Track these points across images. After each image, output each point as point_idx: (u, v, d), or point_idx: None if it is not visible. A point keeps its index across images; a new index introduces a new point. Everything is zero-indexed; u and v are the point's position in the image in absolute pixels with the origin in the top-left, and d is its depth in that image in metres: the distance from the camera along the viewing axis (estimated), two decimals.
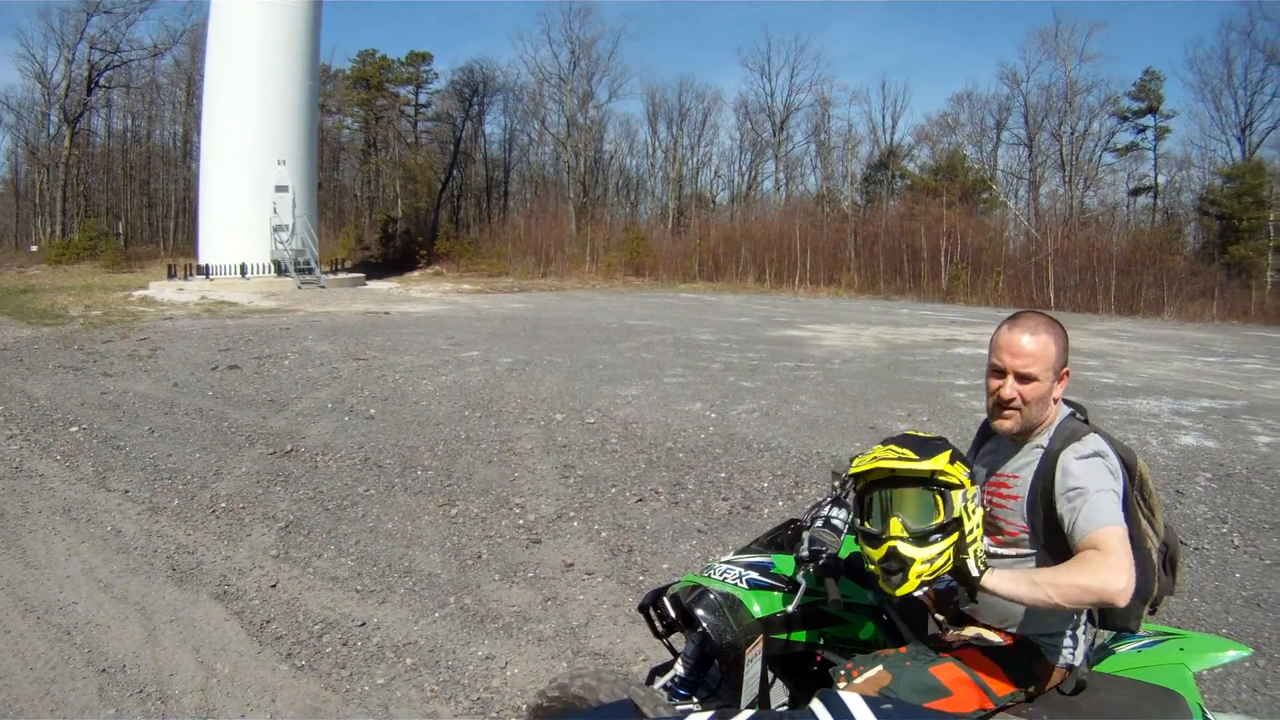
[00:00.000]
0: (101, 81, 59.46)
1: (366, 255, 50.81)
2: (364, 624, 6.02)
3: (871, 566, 2.84)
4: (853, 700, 1.50)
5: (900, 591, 2.75)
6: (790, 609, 3.31)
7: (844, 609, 3.31)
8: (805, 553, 3.25)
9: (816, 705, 1.53)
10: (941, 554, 2.73)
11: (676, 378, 12.49)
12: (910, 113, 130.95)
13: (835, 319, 19.51)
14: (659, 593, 3.70)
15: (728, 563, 3.59)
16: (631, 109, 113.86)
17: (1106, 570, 2.62)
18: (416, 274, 43.27)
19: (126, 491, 8.75)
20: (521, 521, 7.72)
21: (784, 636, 3.39)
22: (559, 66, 59.60)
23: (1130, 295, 33.18)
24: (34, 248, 56.54)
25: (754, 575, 3.47)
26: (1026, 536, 3.00)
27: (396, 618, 6.12)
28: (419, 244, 50.21)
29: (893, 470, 2.78)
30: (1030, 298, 34.20)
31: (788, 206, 54.26)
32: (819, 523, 3.37)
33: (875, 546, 2.79)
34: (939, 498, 2.75)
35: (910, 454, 2.76)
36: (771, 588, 3.42)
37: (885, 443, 2.88)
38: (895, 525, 2.75)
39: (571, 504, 8.03)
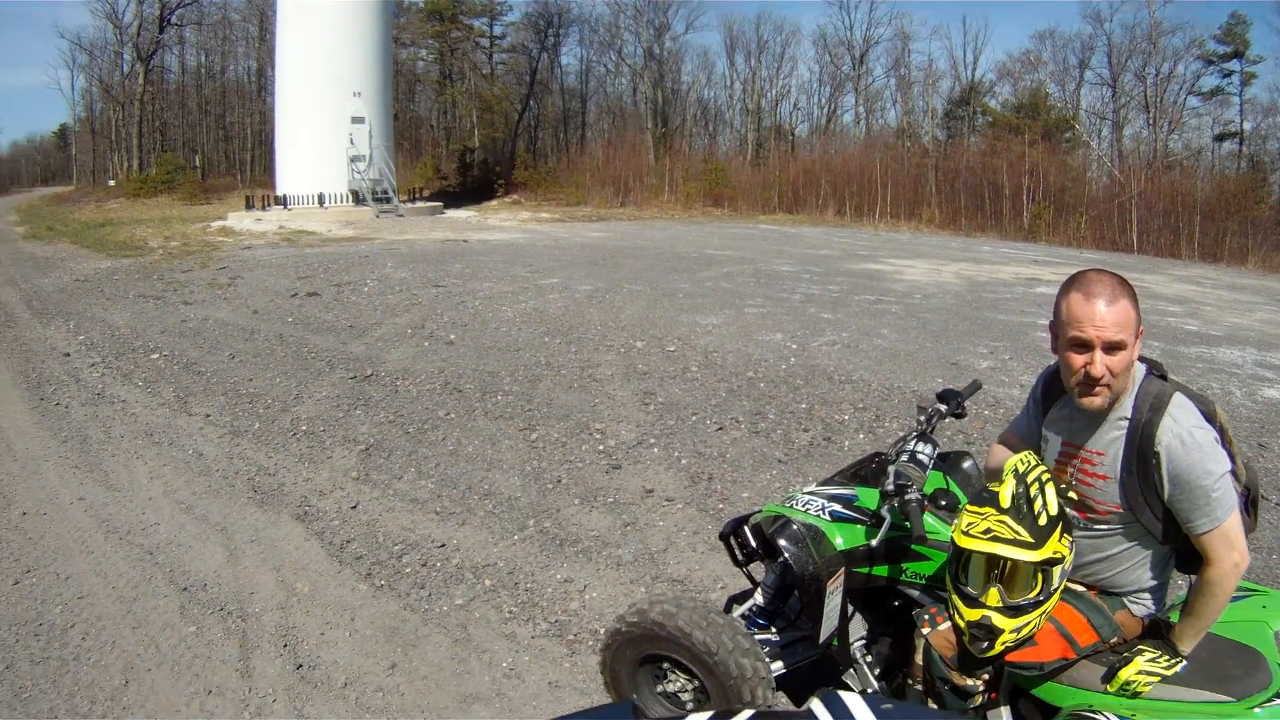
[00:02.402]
0: (173, 19, 60.51)
1: (444, 185, 50.95)
2: (443, 545, 6.16)
3: (960, 622, 2.84)
4: (853, 700, 1.49)
5: (983, 655, 2.80)
6: (874, 543, 3.32)
7: (927, 546, 3.29)
8: (890, 487, 3.24)
9: (816, 705, 1.52)
10: (1029, 624, 2.76)
11: (757, 308, 12.38)
12: (991, 49, 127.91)
13: (916, 254, 19.10)
14: (740, 521, 3.73)
15: (810, 494, 3.60)
16: (709, 41, 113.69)
17: (1234, 573, 2.76)
18: (494, 203, 43.38)
19: (208, 416, 9.02)
20: (601, 447, 7.76)
21: (865, 570, 3.42)
22: None
23: (1214, 242, 31.79)
24: (111, 182, 58.16)
25: (836, 508, 3.48)
26: (1118, 514, 2.94)
27: (476, 540, 6.23)
28: (496, 174, 50.24)
29: (1004, 558, 2.75)
30: (1113, 240, 33.03)
31: (868, 140, 53.09)
32: (904, 457, 3.35)
33: (970, 608, 2.80)
34: (1040, 575, 2.75)
35: (1025, 535, 2.69)
36: (854, 521, 3.43)
37: (998, 506, 2.77)
38: (993, 595, 2.75)
39: (652, 431, 8.04)
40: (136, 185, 50.80)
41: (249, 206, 34.13)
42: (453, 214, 36.32)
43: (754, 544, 3.67)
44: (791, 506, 3.54)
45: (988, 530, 2.72)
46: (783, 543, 3.37)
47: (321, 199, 33.48)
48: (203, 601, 5.58)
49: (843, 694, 1.48)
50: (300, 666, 4.88)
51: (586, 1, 67.22)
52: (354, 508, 6.80)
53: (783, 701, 3.90)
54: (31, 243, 26.86)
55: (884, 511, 3.32)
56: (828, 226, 30.74)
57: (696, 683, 3.56)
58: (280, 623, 5.31)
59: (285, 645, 5.09)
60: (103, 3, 59.98)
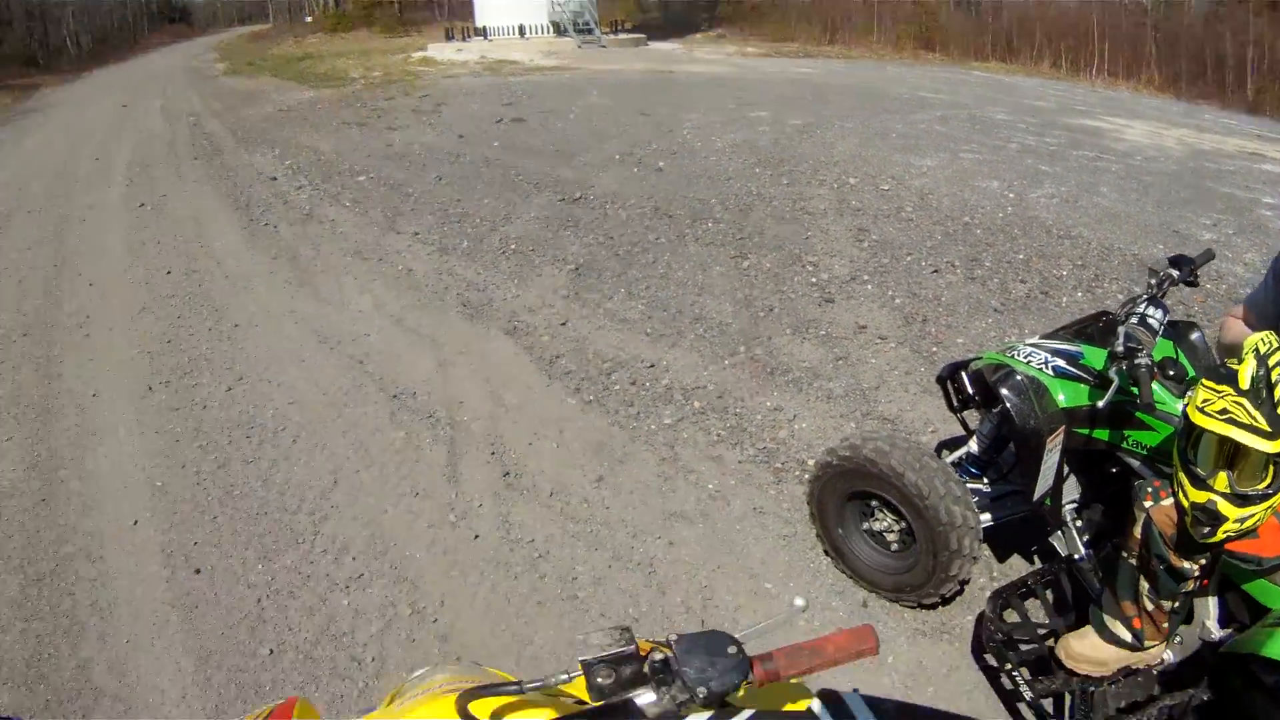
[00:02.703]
0: None
1: (647, 17, 50.15)
2: (653, 366, 6.05)
3: (1184, 502, 2.59)
4: (853, 700, 1.21)
5: (1203, 541, 2.58)
6: (1099, 405, 3.10)
7: (1153, 415, 3.05)
8: (1120, 349, 3.00)
9: (816, 705, 1.24)
10: (1254, 517, 2.50)
11: (972, 154, 11.63)
12: None
13: (1135, 114, 17.55)
14: (958, 366, 3.61)
15: (1033, 346, 3.43)
16: None
17: None
18: (698, 36, 42.35)
19: (416, 234, 9.10)
20: (814, 279, 7.44)
21: (1086, 432, 3.25)
22: None
23: None
24: (308, 19, 59.41)
25: (1060, 363, 3.30)
26: None
27: (686, 362, 6.10)
28: (702, 6, 49.18)
29: (1237, 441, 2.43)
30: None
31: None
32: (1134, 320, 3.10)
33: (1196, 489, 2.54)
34: (1273, 467, 2.45)
35: (1262, 422, 2.40)
36: (1079, 379, 3.25)
37: (1236, 386, 2.49)
38: (1221, 480, 2.50)
39: (865, 267, 7.67)
40: (334, 20, 51.79)
41: (449, 38, 34.33)
42: (656, 46, 35.65)
43: (971, 390, 3.47)
44: (1013, 356, 3.34)
45: (1224, 410, 2.47)
46: (1005, 392, 3.22)
47: (522, 30, 33.36)
48: (412, 409, 5.64)
49: (843, 693, 1.25)
50: (507, 474, 4.91)
51: None
52: (563, 324, 6.76)
53: (985, 553, 3.78)
54: (233, 78, 27.82)
55: (1111, 373, 3.09)
56: (1042, 78, 28.85)
57: (903, 524, 3.53)
58: (488, 431, 5.33)
59: (493, 453, 5.12)
60: None
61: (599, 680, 1.16)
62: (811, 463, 4.52)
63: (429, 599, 3.98)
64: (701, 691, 1.16)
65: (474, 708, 1.17)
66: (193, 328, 7.33)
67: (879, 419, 5.29)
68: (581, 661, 1.17)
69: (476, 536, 4.38)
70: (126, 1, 76.68)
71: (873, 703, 1.35)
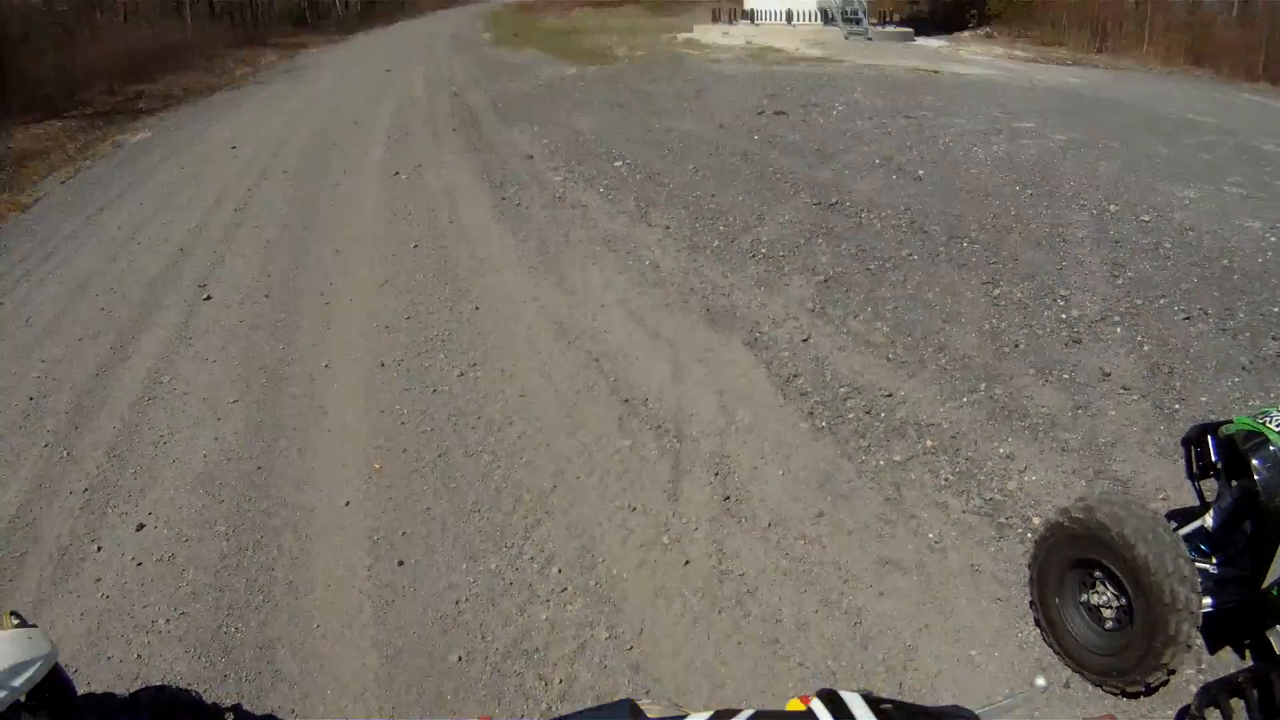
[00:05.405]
0: None
1: (915, 10, 49.17)
2: (890, 395, 5.90)
3: None
4: (853, 700, 1.07)
5: None
6: None
7: None
8: None
9: (816, 705, 1.11)
10: None
11: (1236, 187, 10.85)
12: None
13: None
14: (1207, 429, 3.43)
15: None
16: None
17: None
18: (966, 34, 41.24)
19: (668, 228, 9.21)
20: (1064, 316, 7.10)
21: None
22: None
23: None
24: None
25: None
26: None
27: (924, 395, 5.92)
28: (970, 2, 48.00)
29: None
30: None
31: None
32: None
33: None
34: None
35: None
36: None
37: None
38: None
39: (1117, 307, 7.26)
40: None
41: (715, 19, 34.58)
42: (923, 41, 34.94)
43: (1215, 457, 3.21)
44: (1267, 424, 3.03)
45: None
46: (1256, 463, 3.03)
47: (789, 15, 33.23)
48: (642, 416, 5.70)
49: (843, 693, 1.14)
50: (728, 499, 4.87)
51: None
52: (805, 340, 6.66)
53: (1198, 644, 3.40)
54: (498, 48, 28.85)
55: None
56: None
57: (1123, 600, 3.29)
58: (715, 450, 5.31)
59: (717, 474, 5.10)
60: None
61: None
62: (1039, 521, 4.35)
63: (628, 624, 3.99)
64: None
65: None
66: (433, 307, 7.65)
67: (1111, 479, 4.99)
68: None
69: (687, 562, 4.36)
70: None
71: (873, 702, 1.31)
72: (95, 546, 4.88)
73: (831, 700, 1.31)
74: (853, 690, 1.35)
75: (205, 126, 18.83)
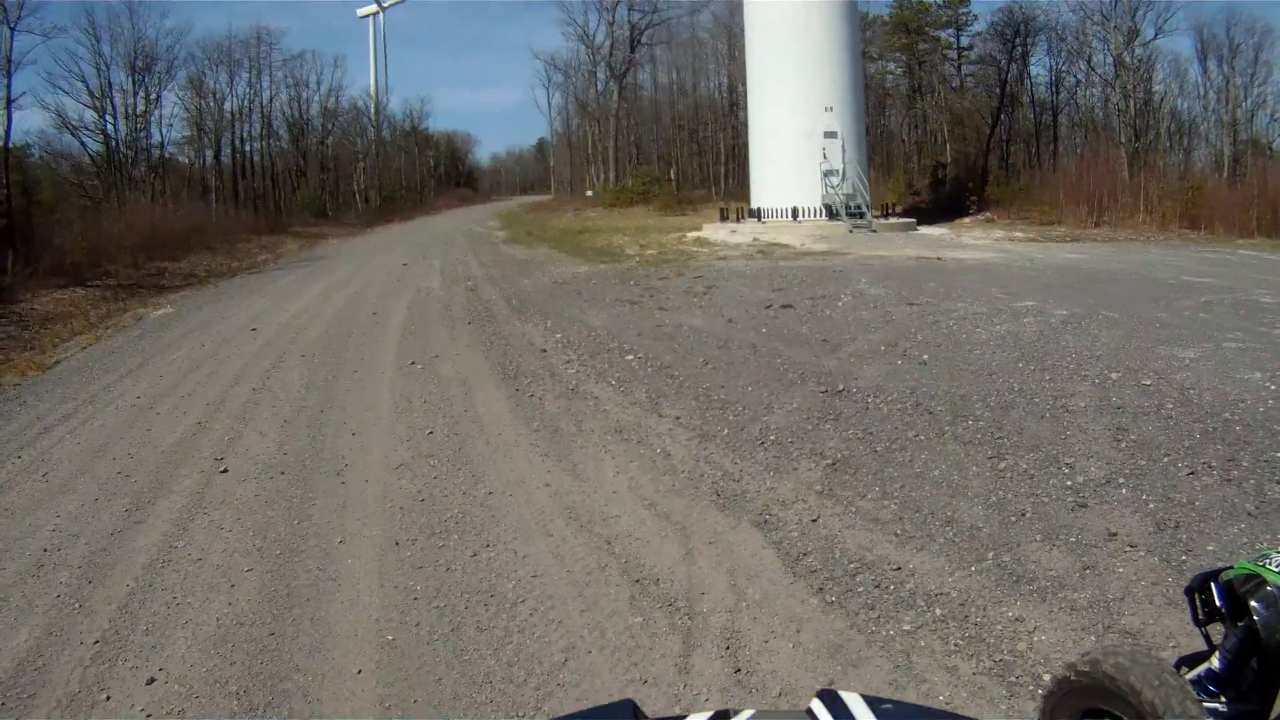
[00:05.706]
0: (644, 39, 66.28)
1: (916, 200, 50.61)
2: (899, 568, 6.03)
3: None
4: (853, 700, 1.22)
5: None
6: None
7: None
8: None
9: (816, 705, 1.25)
10: None
11: (1235, 343, 11.15)
12: None
13: None
14: (1208, 576, 3.40)
15: None
16: (1180, 46, 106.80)
17: None
18: (967, 220, 42.42)
19: (678, 418, 9.45)
20: (1070, 482, 7.27)
21: None
22: (1100, 2, 55.54)
23: None
24: (589, 192, 63.53)
25: None
26: None
27: (933, 566, 6.05)
28: (969, 189, 49.44)
29: None
30: None
31: None
32: None
33: None
34: None
35: None
36: None
37: None
38: None
39: (1122, 470, 7.44)
40: (614, 196, 55.31)
41: (723, 218, 35.83)
42: (925, 230, 35.93)
43: (1219, 603, 3.30)
44: (1266, 565, 3.13)
45: None
46: (1254, 604, 3.00)
47: (795, 213, 34.36)
48: (653, 595, 5.81)
49: (842, 693, 1.28)
50: (738, 670, 4.96)
51: (1052, 8, 63.78)
52: (814, 520, 6.83)
53: None
54: (512, 246, 29.80)
55: None
56: None
57: None
58: (726, 625, 5.42)
59: (727, 648, 5.18)
60: (575, 26, 67.47)
61: None
62: (1048, 678, 4.40)
63: None
64: None
65: None
66: (448, 489, 7.84)
67: (1120, 632, 5.09)
68: None
69: None
70: (416, 163, 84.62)
71: (873, 702, 1.37)
72: (105, 695, 4.99)
73: (831, 700, 1.40)
74: (853, 690, 1.44)
75: (226, 307, 19.56)
